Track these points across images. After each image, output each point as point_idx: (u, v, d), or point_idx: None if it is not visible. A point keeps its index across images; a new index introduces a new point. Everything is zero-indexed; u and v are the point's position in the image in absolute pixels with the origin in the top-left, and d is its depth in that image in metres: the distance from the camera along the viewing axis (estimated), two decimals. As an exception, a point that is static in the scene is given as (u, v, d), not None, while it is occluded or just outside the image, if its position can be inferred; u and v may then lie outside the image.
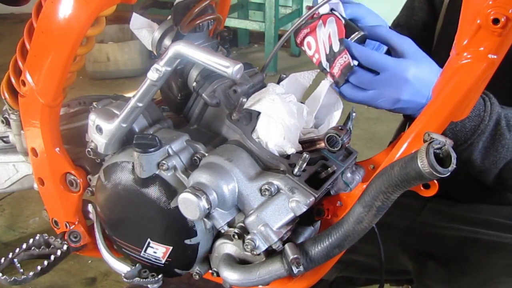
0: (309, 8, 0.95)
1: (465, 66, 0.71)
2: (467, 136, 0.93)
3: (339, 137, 0.83)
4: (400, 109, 0.92)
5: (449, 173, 0.67)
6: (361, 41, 0.94)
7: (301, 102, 0.94)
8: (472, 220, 1.23)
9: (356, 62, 0.91)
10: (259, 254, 0.82)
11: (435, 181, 0.76)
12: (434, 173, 0.67)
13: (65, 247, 1.03)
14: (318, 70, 0.98)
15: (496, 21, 0.66)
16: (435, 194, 0.78)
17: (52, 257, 1.01)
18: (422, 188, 0.78)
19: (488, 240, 1.19)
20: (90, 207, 1.03)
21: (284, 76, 0.99)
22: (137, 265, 0.95)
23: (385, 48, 1.01)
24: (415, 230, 1.30)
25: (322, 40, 0.93)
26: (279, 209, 0.80)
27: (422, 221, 1.30)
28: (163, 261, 0.91)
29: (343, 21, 0.92)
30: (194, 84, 0.95)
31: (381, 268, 1.09)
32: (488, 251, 1.18)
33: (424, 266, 1.25)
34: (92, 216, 1.03)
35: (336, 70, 0.92)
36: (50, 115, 0.94)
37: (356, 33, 0.93)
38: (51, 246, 1.05)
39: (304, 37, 0.96)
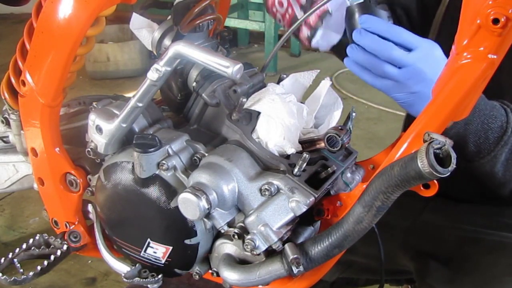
0: None
1: (465, 66, 0.71)
2: (490, 148, 0.93)
3: (339, 137, 0.83)
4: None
5: (449, 173, 0.67)
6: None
7: (301, 102, 0.94)
8: (473, 220, 1.23)
9: (331, 9, 0.97)
10: (259, 254, 0.82)
11: (435, 181, 0.76)
12: (434, 173, 0.67)
13: (65, 247, 1.03)
14: (319, 70, 0.98)
15: (496, 21, 0.66)
16: (435, 194, 0.78)
17: (52, 257, 1.01)
18: (422, 188, 0.78)
19: (490, 240, 1.19)
20: (90, 207, 1.03)
21: (284, 76, 0.99)
22: (137, 265, 0.95)
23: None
24: (417, 230, 1.30)
25: None
26: (279, 209, 0.80)
27: (424, 220, 1.29)
28: (163, 261, 0.91)
29: None
30: (194, 84, 0.95)
31: (381, 268, 1.09)
32: (490, 251, 1.18)
33: (425, 266, 1.25)
34: (92, 216, 1.03)
35: (312, 18, 0.98)
36: (50, 115, 0.94)
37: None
38: (51, 246, 1.05)
39: None
